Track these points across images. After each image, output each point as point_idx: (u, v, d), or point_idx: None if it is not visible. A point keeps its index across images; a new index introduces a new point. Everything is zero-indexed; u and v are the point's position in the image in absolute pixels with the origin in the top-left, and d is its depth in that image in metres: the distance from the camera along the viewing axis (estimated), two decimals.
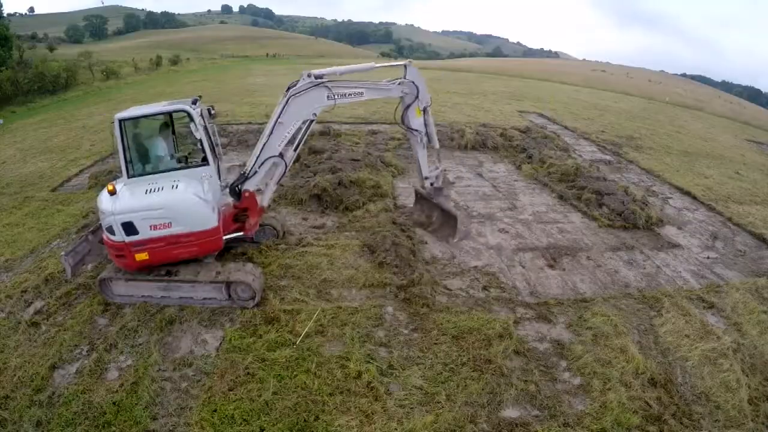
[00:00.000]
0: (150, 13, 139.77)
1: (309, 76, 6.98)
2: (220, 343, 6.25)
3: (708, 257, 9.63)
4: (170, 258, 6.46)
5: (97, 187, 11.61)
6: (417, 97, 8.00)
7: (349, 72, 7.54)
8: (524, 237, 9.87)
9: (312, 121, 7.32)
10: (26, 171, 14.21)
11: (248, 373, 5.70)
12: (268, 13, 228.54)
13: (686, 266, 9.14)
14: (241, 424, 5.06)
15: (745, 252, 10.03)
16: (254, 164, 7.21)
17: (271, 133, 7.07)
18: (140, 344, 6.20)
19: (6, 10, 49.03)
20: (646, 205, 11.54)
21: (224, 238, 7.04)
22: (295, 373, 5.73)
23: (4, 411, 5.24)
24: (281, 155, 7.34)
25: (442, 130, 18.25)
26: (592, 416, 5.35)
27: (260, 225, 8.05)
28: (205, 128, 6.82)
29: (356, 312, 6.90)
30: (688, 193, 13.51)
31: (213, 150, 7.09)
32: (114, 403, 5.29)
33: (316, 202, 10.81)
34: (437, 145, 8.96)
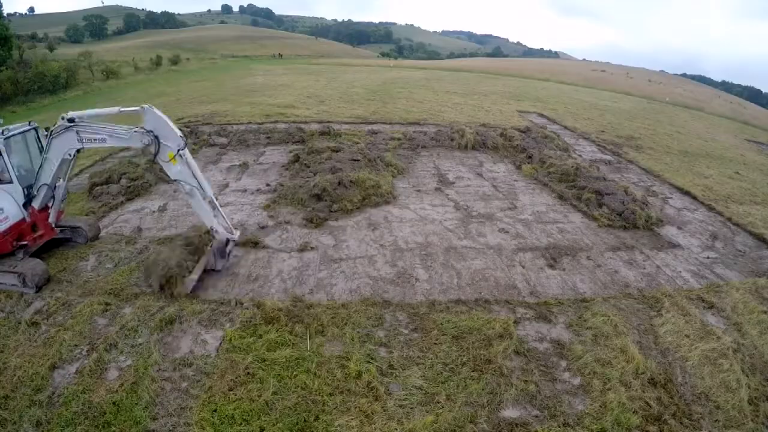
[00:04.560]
0: (150, 13, 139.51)
1: (63, 119, 7.26)
2: (220, 343, 6.26)
3: (708, 257, 9.63)
4: None
5: (96, 187, 11.64)
6: (159, 144, 7.10)
7: (95, 116, 7.58)
8: (524, 237, 9.87)
9: (71, 159, 7.79)
10: None
11: (248, 373, 5.70)
12: (268, 13, 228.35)
13: (686, 266, 9.14)
14: (241, 424, 5.06)
15: (745, 252, 10.03)
16: (33, 189, 7.95)
17: (41, 166, 7.78)
18: (140, 344, 6.21)
19: (6, 10, 48.98)
20: (646, 205, 11.54)
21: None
22: (295, 373, 5.74)
23: (4, 411, 5.25)
24: (53, 183, 8.00)
25: (443, 130, 18.26)
26: (592, 416, 5.36)
27: (73, 228, 8.99)
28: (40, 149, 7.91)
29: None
30: (687, 193, 13.52)
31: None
32: (114, 403, 5.30)
33: (316, 202, 10.81)
34: (210, 192, 7.63)
